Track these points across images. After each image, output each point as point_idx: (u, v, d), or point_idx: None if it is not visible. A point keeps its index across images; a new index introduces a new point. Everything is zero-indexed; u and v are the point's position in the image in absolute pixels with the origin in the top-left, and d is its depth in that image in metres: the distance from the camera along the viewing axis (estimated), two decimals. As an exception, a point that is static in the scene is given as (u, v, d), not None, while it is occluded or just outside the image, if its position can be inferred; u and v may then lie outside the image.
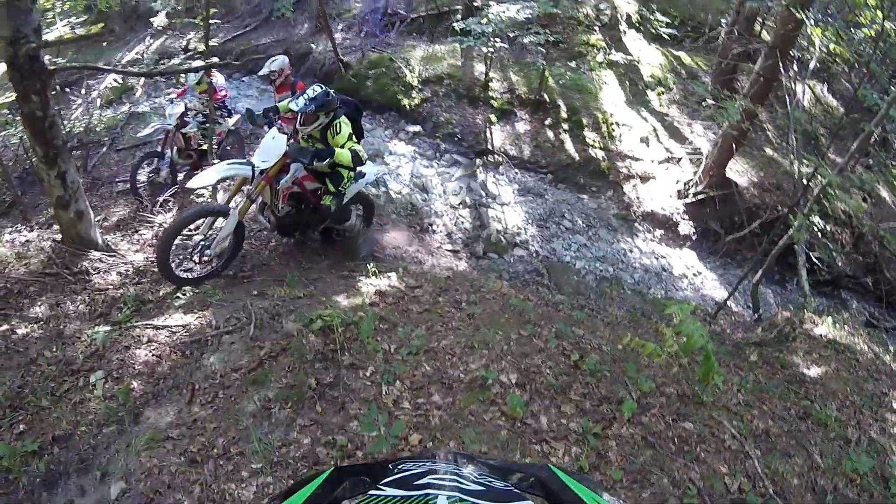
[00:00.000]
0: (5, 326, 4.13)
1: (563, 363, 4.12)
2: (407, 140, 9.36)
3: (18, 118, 8.26)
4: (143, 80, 9.95)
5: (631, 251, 8.44)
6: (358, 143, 5.06)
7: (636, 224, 8.99)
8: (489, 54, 10.09)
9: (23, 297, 4.54)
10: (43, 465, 3.02)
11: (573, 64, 11.34)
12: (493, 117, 9.72)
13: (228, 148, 7.43)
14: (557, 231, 8.18)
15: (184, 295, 4.45)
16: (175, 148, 6.98)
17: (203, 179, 4.70)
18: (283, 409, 3.21)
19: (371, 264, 5.23)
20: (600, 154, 9.64)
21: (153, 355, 3.75)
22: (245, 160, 4.91)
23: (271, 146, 4.78)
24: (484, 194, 8.18)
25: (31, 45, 4.59)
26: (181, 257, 5.03)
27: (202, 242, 4.77)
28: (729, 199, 8.96)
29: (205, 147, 6.25)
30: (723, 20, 12.05)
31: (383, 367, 3.60)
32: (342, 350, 3.63)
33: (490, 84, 10.22)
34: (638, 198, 9.29)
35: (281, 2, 11.88)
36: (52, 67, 5.15)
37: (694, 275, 8.44)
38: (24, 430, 3.28)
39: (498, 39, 9.67)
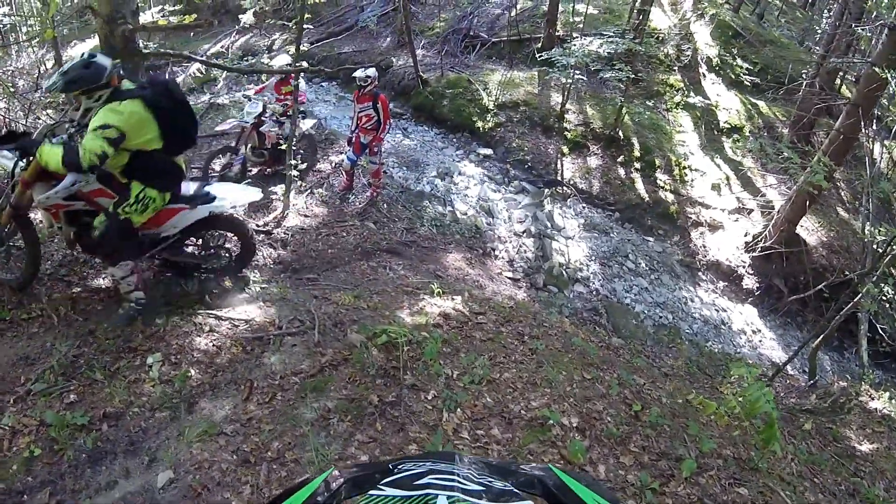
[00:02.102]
0: (67, 293, 4.16)
1: (625, 412, 3.95)
2: (477, 162, 9.30)
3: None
4: (224, 73, 10.24)
5: (692, 300, 8.15)
6: (170, 150, 3.59)
7: (700, 273, 8.69)
8: (567, 85, 10.02)
9: (88, 268, 4.56)
10: (91, 441, 2.96)
11: (650, 103, 11.20)
12: (565, 149, 9.60)
13: (301, 151, 7.48)
14: (620, 271, 7.96)
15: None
16: (249, 145, 7.02)
17: None
18: (342, 422, 3.11)
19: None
20: (670, 197, 9.40)
21: (213, 345, 3.71)
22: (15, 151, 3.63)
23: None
24: (549, 225, 8.03)
25: (128, 27, 4.75)
26: None
27: None
28: (796, 257, 8.58)
29: (283, 147, 6.22)
30: (804, 72, 11.73)
31: (445, 392, 3.47)
32: (405, 369, 3.52)
33: (565, 115, 10.11)
34: (704, 246, 9.00)
35: (366, 14, 12.09)
36: (145, 51, 5.30)
37: (753, 332, 8.08)
38: (74, 400, 3.24)
39: (578, 71, 9.62)
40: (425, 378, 3.55)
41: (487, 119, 10.03)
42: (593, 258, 7.87)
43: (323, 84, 11.66)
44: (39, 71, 10.69)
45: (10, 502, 2.64)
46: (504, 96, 10.43)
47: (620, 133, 10.01)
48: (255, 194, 4.38)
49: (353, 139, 6.79)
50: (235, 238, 4.53)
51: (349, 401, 3.23)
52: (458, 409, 3.41)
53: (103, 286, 4.35)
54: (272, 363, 3.55)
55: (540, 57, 10.49)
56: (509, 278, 6.52)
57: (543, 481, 1.05)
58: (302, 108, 7.14)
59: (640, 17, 11.03)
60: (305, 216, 6.07)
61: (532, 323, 4.84)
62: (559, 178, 9.05)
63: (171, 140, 3.54)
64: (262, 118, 6.94)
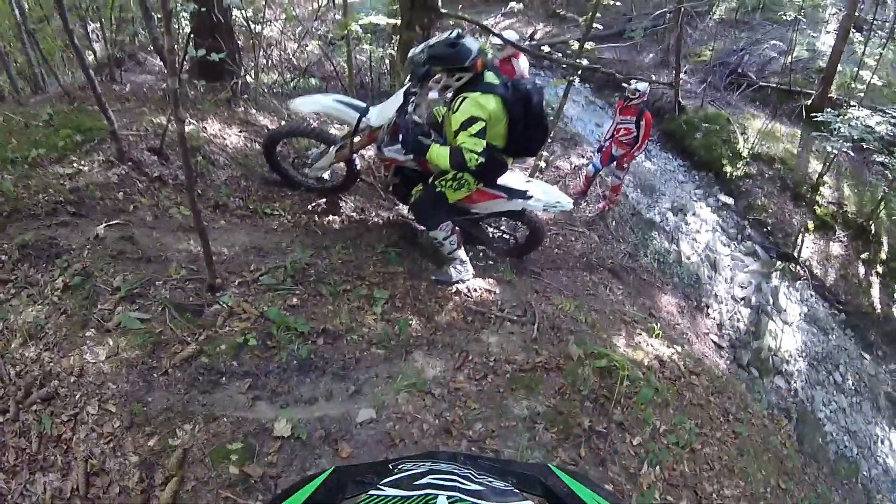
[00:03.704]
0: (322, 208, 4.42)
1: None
2: (714, 208, 8.63)
3: (374, 37, 9.13)
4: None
5: (883, 441, 7.00)
6: (508, 152, 3.72)
7: (903, 414, 7.45)
8: (831, 156, 8.93)
9: (371, 204, 4.88)
10: (305, 351, 3.03)
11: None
12: (810, 224, 8.57)
13: None
14: (824, 380, 7.01)
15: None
16: None
17: (302, 103, 4.21)
18: (548, 432, 2.97)
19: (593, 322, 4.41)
20: (902, 317, 8.08)
21: (438, 304, 3.75)
22: (364, 104, 4.13)
23: (389, 104, 3.93)
24: (771, 302, 7.25)
25: None
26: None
27: (296, 157, 4.70)
28: None
29: None
30: None
31: (650, 444, 3.22)
32: (616, 403, 3.31)
33: (820, 188, 9.03)
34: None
35: (634, 24, 11.58)
36: (442, 10, 5.42)
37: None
38: (297, 305, 3.35)
39: (848, 144, 8.52)
40: (634, 420, 3.29)
41: (737, 166, 9.21)
42: (804, 355, 7.00)
43: (575, 84, 11.46)
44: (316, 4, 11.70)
45: (207, 379, 2.75)
46: (760, 147, 9.50)
47: (873, 227, 8.73)
48: (567, 203, 4.43)
49: (605, 148, 6.54)
50: (525, 228, 4.71)
51: (557, 412, 3.08)
52: (658, 467, 3.13)
53: (357, 217, 4.64)
54: (489, 343, 3.50)
55: (813, 116, 9.43)
56: (714, 342, 5.98)
57: (543, 481, 1.06)
58: None
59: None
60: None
61: (739, 403, 4.37)
62: (795, 254, 8.12)
63: (513, 144, 3.65)
64: None
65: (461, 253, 4.10)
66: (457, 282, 4.02)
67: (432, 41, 3.47)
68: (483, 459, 1.32)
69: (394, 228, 4.57)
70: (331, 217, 4.58)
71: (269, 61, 8.76)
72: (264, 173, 4.87)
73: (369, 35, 8.80)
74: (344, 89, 7.70)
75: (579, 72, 5.93)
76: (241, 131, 5.42)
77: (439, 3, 5.16)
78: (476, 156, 3.36)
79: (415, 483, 0.93)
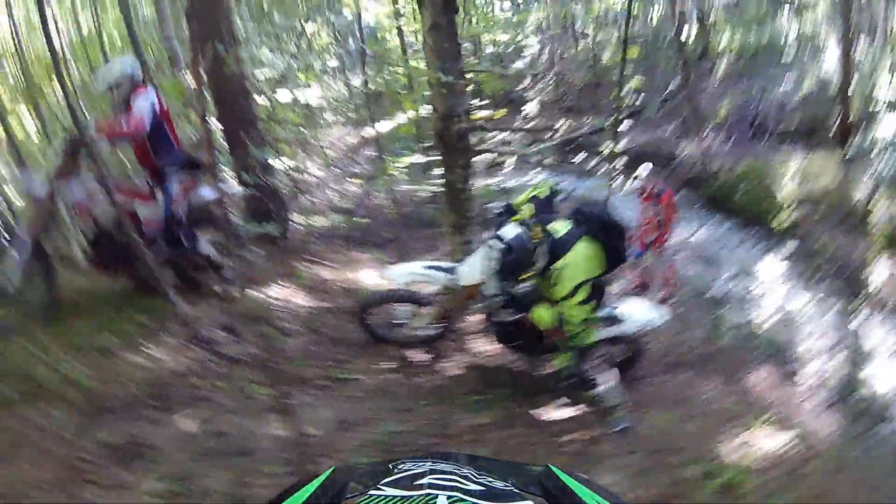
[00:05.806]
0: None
1: None
2: (776, 262, 8.68)
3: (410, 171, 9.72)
4: (514, 157, 10.96)
5: None
6: (608, 270, 3.78)
7: None
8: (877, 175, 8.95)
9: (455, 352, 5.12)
10: None
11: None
12: (872, 251, 8.41)
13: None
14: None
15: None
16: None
17: (395, 274, 4.60)
18: None
19: None
20: None
21: (531, 455, 3.83)
22: (451, 265, 4.42)
23: (480, 264, 4.06)
24: (857, 346, 7.12)
25: (462, 125, 5.11)
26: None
27: (400, 318, 4.82)
28: None
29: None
30: None
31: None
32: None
33: (872, 210, 8.91)
34: None
35: (646, 102, 11.97)
36: (476, 147, 5.82)
37: None
38: None
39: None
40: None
41: (785, 214, 9.33)
42: (900, 392, 6.71)
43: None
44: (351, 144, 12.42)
45: None
46: (803, 189, 9.62)
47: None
48: (659, 318, 4.43)
49: (636, 237, 6.83)
50: (626, 348, 4.67)
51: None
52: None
53: (432, 365, 4.86)
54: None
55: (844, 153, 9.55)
56: (809, 409, 5.85)
57: (543, 481, 1.07)
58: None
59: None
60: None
61: (856, 478, 4.22)
62: (867, 285, 7.95)
63: (611, 263, 3.79)
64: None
65: (625, 399, 4.20)
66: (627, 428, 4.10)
67: (502, 240, 3.68)
68: (483, 459, 1.34)
69: (474, 372, 4.77)
70: (407, 371, 4.78)
71: (314, 205, 9.45)
72: (330, 334, 5.12)
73: (406, 170, 9.44)
74: (393, 221, 8.35)
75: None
76: (299, 288, 5.70)
77: (472, 142, 5.38)
78: (579, 322, 3.66)
79: (415, 483, 0.95)
